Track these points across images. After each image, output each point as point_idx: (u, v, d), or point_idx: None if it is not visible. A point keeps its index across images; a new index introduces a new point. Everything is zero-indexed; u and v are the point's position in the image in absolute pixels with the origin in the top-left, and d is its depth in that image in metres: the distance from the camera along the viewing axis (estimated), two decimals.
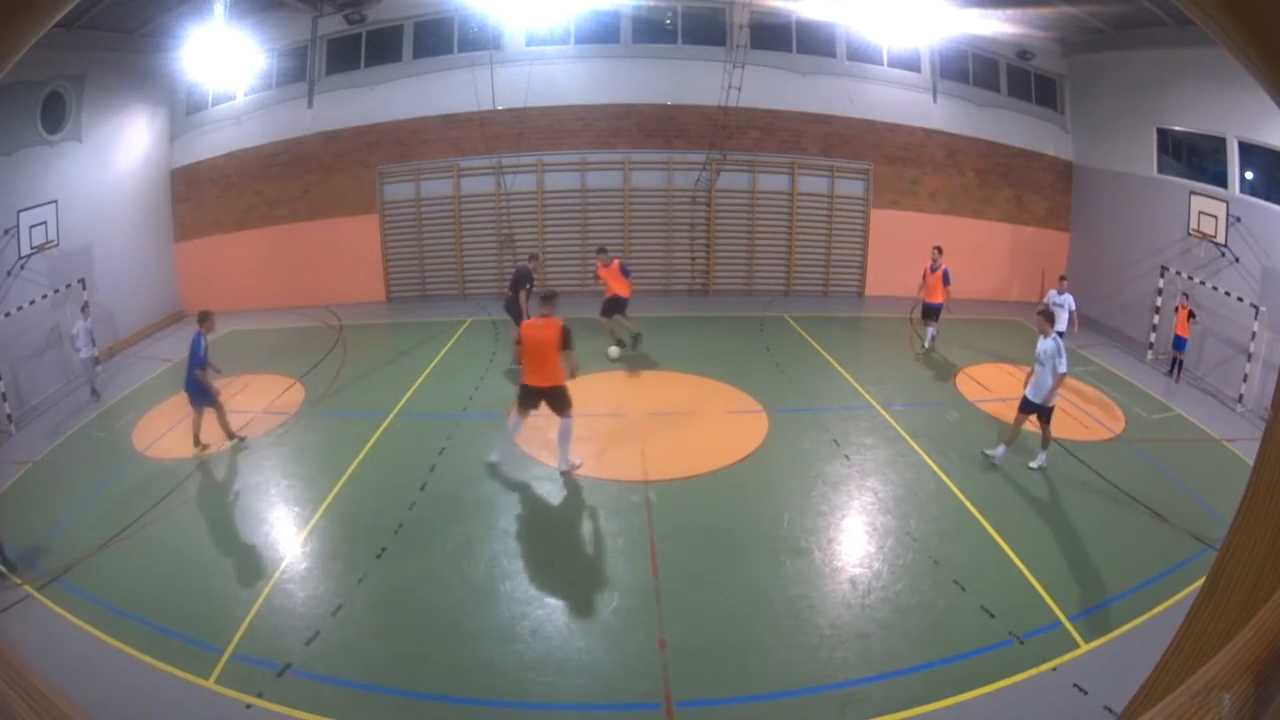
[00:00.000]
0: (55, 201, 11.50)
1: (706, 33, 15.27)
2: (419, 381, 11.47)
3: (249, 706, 5.29)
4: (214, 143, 15.07)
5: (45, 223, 11.29)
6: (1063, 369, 8.38)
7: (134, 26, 12.76)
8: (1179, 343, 11.87)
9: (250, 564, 6.99)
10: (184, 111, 15.00)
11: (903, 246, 15.32)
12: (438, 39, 15.10)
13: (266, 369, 12.07)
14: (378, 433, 9.66)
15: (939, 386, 11.51)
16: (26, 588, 6.58)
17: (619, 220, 15.93)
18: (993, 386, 11.35)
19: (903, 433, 9.59)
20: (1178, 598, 6.33)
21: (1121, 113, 14.21)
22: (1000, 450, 8.91)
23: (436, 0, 14.80)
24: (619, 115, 15.47)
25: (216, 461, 9.05)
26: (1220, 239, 11.55)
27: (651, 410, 10.41)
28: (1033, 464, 8.86)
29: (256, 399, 10.93)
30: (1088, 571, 6.84)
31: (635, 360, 12.21)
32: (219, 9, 11.72)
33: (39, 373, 11.24)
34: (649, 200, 15.92)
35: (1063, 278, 12.34)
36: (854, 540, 7.45)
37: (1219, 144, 11.84)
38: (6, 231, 10.68)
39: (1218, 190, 11.81)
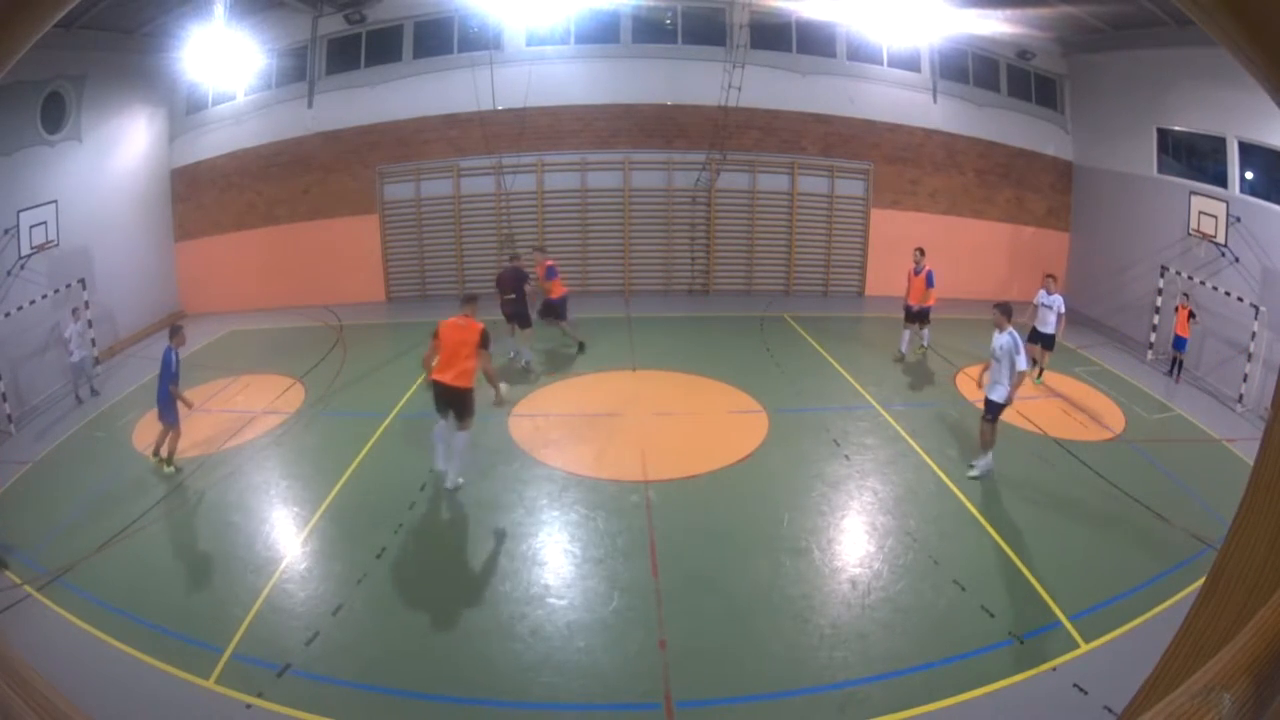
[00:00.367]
0: (55, 201, 11.50)
1: (706, 33, 15.26)
2: (419, 381, 11.45)
3: (249, 706, 5.29)
4: (214, 143, 15.06)
5: (45, 223, 11.28)
6: (1022, 366, 8.02)
7: (134, 26, 12.75)
8: (1179, 343, 11.86)
9: (250, 564, 6.98)
10: (184, 111, 14.99)
11: (903, 246, 15.21)
12: (438, 39, 15.10)
13: (266, 369, 12.07)
14: (378, 433, 9.67)
15: (939, 387, 11.51)
16: (26, 588, 6.58)
17: (619, 220, 15.93)
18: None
19: (903, 433, 9.59)
20: (1178, 598, 6.33)
21: (1121, 113, 14.20)
22: (982, 462, 8.51)
23: (436, 0, 14.80)
24: (619, 115, 15.47)
25: (216, 462, 9.04)
26: (1220, 239, 11.54)
27: (651, 410, 10.41)
28: (973, 472, 8.43)
29: (256, 399, 10.93)
30: (1088, 571, 6.84)
31: (582, 362, 12.18)
32: (219, 9, 11.71)
33: (39, 373, 11.24)
34: (649, 200, 15.92)
35: (1050, 277, 11.62)
36: (854, 540, 7.45)
37: (1219, 144, 11.84)
38: (6, 231, 10.68)
39: (1218, 190, 11.81)
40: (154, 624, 6.10)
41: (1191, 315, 11.70)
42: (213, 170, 15.19)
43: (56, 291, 11.51)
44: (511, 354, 12.00)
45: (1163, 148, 13.35)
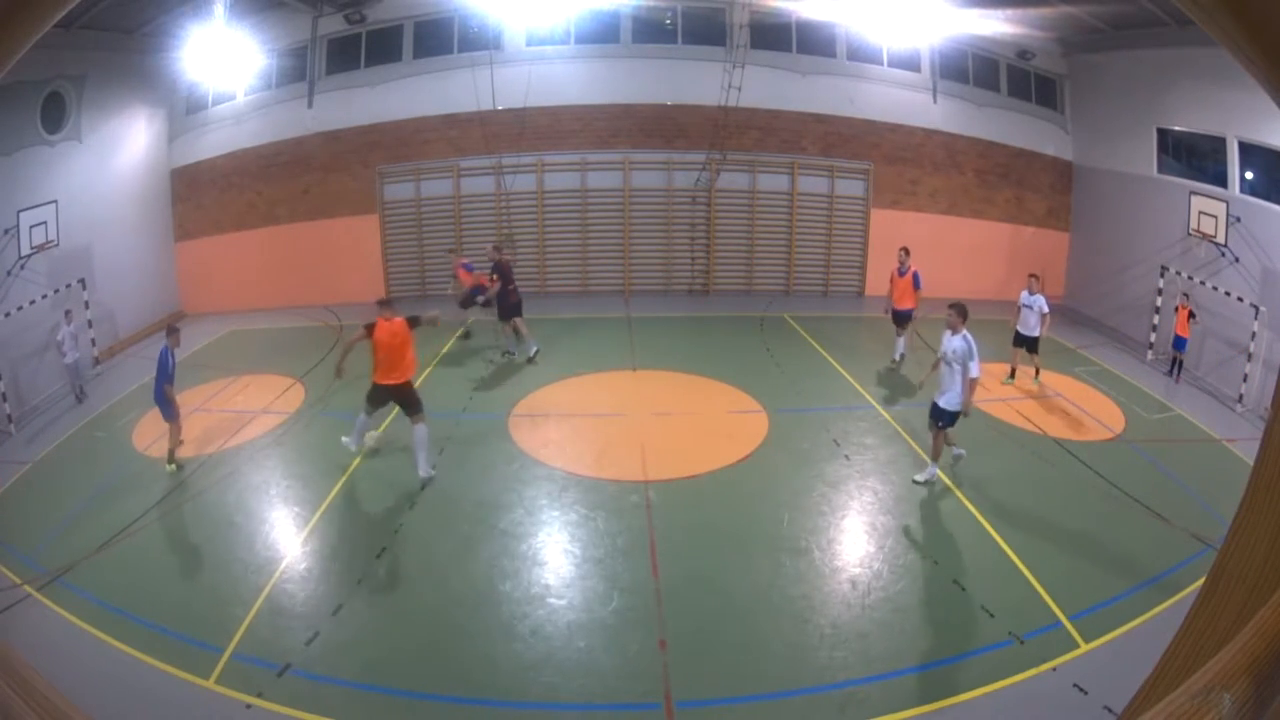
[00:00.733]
0: (55, 201, 11.50)
1: (706, 33, 15.27)
2: (419, 381, 11.45)
3: (249, 706, 5.29)
4: (214, 143, 15.07)
5: (45, 223, 11.29)
6: (974, 373, 7.56)
7: (134, 26, 12.75)
8: (1179, 343, 11.86)
9: (250, 564, 6.98)
10: (184, 111, 15.00)
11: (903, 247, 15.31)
12: (438, 39, 15.10)
13: (266, 369, 12.06)
14: (378, 433, 9.66)
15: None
16: (26, 588, 6.58)
17: (619, 220, 15.94)
18: (992, 387, 11.33)
19: (903, 433, 9.59)
20: (1178, 598, 6.33)
21: (1121, 113, 14.20)
22: (930, 470, 8.23)
23: (436, 0, 14.81)
24: (619, 115, 15.47)
25: (216, 462, 9.04)
26: (1220, 239, 11.54)
27: (651, 410, 10.41)
28: (919, 477, 8.19)
29: (256, 399, 10.93)
30: (1088, 571, 6.84)
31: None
32: (219, 9, 11.72)
33: (39, 373, 11.23)
34: (649, 200, 15.92)
35: (1033, 276, 11.27)
36: (854, 540, 7.45)
37: (1219, 144, 11.83)
38: (6, 231, 10.68)
39: (1218, 190, 11.81)
40: (154, 624, 6.10)
41: (1191, 315, 11.70)
42: (213, 170, 15.19)
43: (56, 291, 11.51)
44: (504, 353, 12.28)
45: (1163, 148, 13.35)
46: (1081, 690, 5.38)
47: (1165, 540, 7.37)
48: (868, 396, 10.78)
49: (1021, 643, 5.88)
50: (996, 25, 14.34)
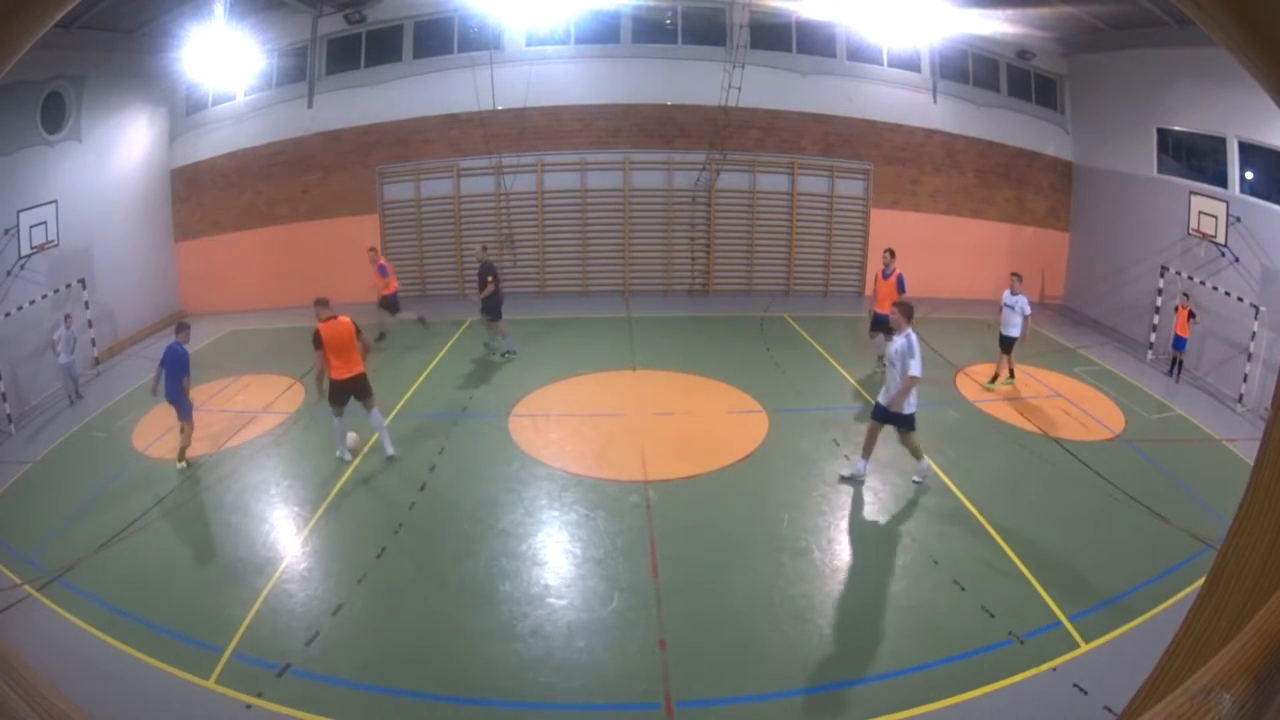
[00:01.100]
0: (55, 201, 11.50)
1: (706, 33, 15.27)
2: (419, 381, 11.48)
3: (249, 706, 5.29)
4: (214, 143, 15.07)
5: (45, 223, 11.29)
6: (914, 371, 7.49)
7: (134, 26, 12.75)
8: (1179, 343, 11.86)
9: (250, 564, 6.98)
10: (184, 111, 15.00)
11: (903, 247, 15.24)
12: (438, 39, 15.10)
13: (266, 369, 12.07)
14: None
15: (939, 387, 11.49)
16: (26, 588, 6.58)
17: (619, 220, 15.94)
18: (992, 386, 11.34)
19: None
20: (1178, 598, 6.33)
21: (1121, 113, 14.20)
22: (861, 465, 8.20)
23: (436, 0, 14.81)
24: (619, 115, 15.47)
25: (216, 462, 9.05)
26: (1220, 239, 11.54)
27: (651, 410, 10.41)
28: (916, 477, 8.20)
29: (256, 399, 10.94)
30: (1088, 572, 6.84)
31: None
32: (219, 9, 11.72)
33: (39, 373, 11.23)
34: (649, 200, 15.92)
35: (1015, 275, 11.11)
36: (854, 540, 7.45)
37: (1219, 144, 11.83)
38: (6, 231, 10.68)
39: (1218, 190, 11.81)
40: (154, 624, 6.10)
41: (1191, 315, 11.70)
42: (213, 170, 15.19)
43: (56, 291, 11.51)
44: (484, 345, 12.47)
45: (1163, 148, 13.35)
46: (1081, 690, 5.38)
47: (1165, 540, 7.37)
48: (868, 397, 10.77)
49: (1021, 643, 5.88)
50: (996, 25, 14.34)
